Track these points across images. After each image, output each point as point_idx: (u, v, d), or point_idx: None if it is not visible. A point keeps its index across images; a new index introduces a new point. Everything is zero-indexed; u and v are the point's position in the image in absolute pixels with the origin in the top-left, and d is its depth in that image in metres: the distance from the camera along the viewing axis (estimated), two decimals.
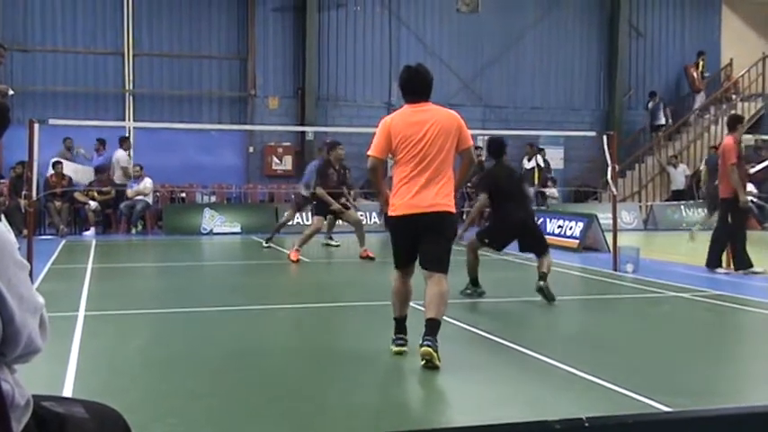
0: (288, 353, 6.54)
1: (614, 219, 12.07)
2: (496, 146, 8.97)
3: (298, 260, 12.45)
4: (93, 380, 5.44)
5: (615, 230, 11.93)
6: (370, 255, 12.85)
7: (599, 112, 23.50)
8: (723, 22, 24.50)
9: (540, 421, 2.03)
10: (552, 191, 20.89)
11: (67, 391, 4.99)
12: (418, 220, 5.84)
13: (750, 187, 15.12)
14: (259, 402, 5.01)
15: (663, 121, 22.74)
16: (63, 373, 5.42)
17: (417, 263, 6.08)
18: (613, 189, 12.08)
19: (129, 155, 18.50)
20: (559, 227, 15.01)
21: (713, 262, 11.41)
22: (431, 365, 5.63)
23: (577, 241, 14.48)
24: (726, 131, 12.48)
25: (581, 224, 14.69)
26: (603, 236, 14.25)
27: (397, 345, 6.08)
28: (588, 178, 22.45)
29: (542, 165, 20.41)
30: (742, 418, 2.36)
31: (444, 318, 7.59)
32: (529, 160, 20.35)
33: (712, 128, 23.16)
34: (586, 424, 2.09)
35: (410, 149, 5.87)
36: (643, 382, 5.28)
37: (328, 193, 12.72)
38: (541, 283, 8.41)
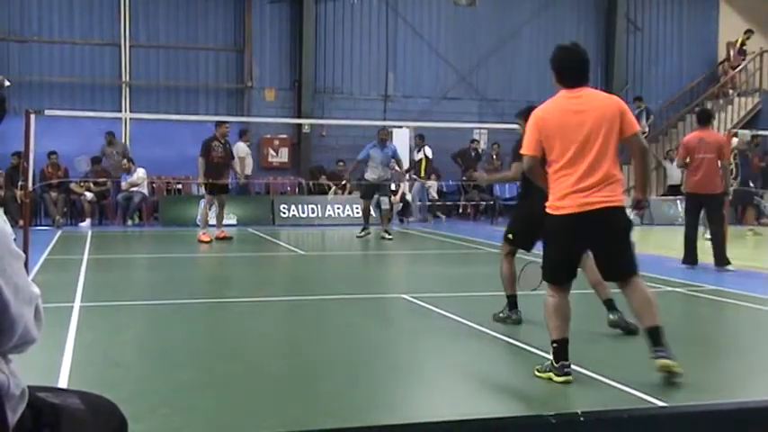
0: (281, 345, 6.55)
1: None
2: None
3: (210, 240, 13.97)
4: (89, 371, 5.45)
5: None
6: (227, 236, 14.50)
7: None
8: (721, 16, 24.49)
9: (536, 415, 2.04)
10: (432, 183, 20.49)
11: (63, 383, 4.99)
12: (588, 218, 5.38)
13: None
14: (252, 393, 5.01)
15: (644, 121, 22.74)
16: (58, 365, 5.42)
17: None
18: None
19: (249, 146, 18.40)
20: None
21: (723, 259, 10.92)
22: (673, 377, 5.10)
23: None
24: (694, 126, 12.58)
25: None
26: None
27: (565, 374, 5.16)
28: None
29: (430, 156, 20.19)
30: (736, 413, 2.38)
31: (437, 310, 7.63)
32: (418, 152, 20.21)
33: None
34: (581, 418, 2.11)
35: (566, 141, 5.38)
36: (638, 376, 5.28)
37: (214, 163, 14.02)
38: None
